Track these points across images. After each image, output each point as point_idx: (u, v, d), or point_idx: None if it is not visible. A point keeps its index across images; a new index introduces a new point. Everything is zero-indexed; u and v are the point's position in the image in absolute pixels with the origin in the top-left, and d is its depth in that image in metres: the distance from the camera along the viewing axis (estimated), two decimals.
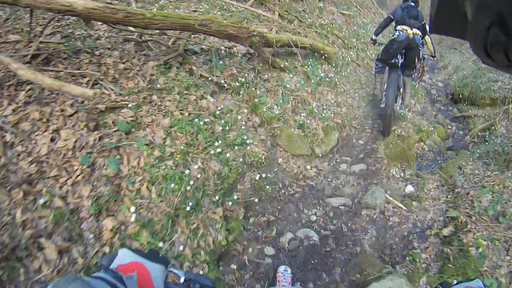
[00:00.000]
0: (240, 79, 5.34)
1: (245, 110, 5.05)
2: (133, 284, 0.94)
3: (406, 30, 5.98)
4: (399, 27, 6.10)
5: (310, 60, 7.04)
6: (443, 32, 0.70)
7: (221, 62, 5.27)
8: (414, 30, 6.00)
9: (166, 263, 1.21)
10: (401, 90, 6.72)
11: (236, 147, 4.45)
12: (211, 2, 7.19)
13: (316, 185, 5.26)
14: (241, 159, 4.39)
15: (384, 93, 6.48)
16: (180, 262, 3.22)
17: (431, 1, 0.68)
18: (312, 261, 4.10)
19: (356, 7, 13.23)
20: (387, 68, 6.76)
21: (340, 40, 9.31)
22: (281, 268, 3.30)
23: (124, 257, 1.12)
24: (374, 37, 7.07)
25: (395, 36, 6.09)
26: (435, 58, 8.38)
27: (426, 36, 6.61)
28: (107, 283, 0.89)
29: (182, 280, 1.29)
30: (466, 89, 9.52)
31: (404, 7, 6.26)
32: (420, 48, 6.40)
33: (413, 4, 6.26)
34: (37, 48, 3.95)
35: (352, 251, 4.30)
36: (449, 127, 8.74)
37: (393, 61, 6.47)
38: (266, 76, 5.85)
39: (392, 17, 6.49)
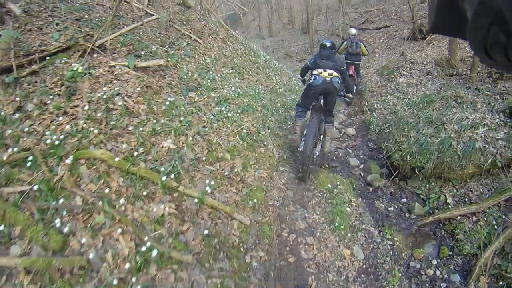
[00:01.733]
0: None
1: None
2: None
3: (321, 73, 5.87)
4: (315, 71, 5.98)
5: None
6: (443, 32, 0.70)
7: None
8: (329, 71, 5.85)
9: None
10: (321, 136, 6.78)
11: None
12: None
13: None
14: None
15: (303, 137, 6.31)
16: None
17: (430, 1, 0.69)
18: None
19: (188, 43, 7.83)
20: (308, 112, 6.66)
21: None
22: None
23: None
24: (301, 78, 7.21)
25: (311, 80, 5.98)
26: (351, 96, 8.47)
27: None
28: None
29: None
30: (424, 153, 6.84)
31: (317, 52, 6.24)
32: (337, 92, 6.21)
33: (327, 45, 6.20)
34: None
35: None
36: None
37: (316, 102, 6.45)
38: None
39: (308, 64, 6.35)
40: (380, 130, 9.23)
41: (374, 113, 10.24)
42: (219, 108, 6.13)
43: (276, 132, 7.51)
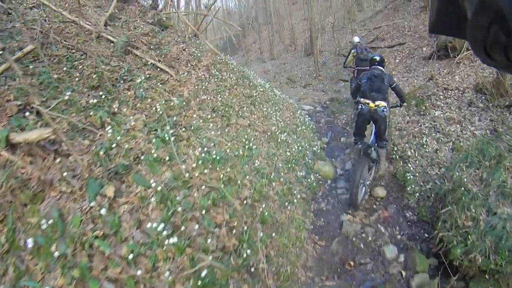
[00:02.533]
0: None
1: None
2: None
3: (368, 104, 6.04)
4: (362, 100, 6.16)
5: None
6: (443, 32, 0.69)
7: None
8: (377, 102, 6.02)
9: None
10: (375, 163, 6.84)
11: None
12: None
13: None
14: None
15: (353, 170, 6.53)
16: None
17: (431, 1, 0.66)
18: None
19: (148, 76, 5.95)
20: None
21: None
22: None
23: None
24: (354, 100, 7.07)
25: (359, 109, 6.21)
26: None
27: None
28: None
29: None
30: (503, 251, 4.37)
31: (368, 77, 6.23)
32: (386, 119, 6.40)
33: (377, 71, 6.28)
34: None
35: None
36: None
37: (368, 151, 6.16)
38: None
39: (360, 82, 6.39)
40: (421, 193, 6.77)
41: (408, 163, 7.53)
42: (162, 216, 3.40)
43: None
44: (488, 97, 7.99)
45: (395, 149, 8.11)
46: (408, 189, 6.89)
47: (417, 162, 7.41)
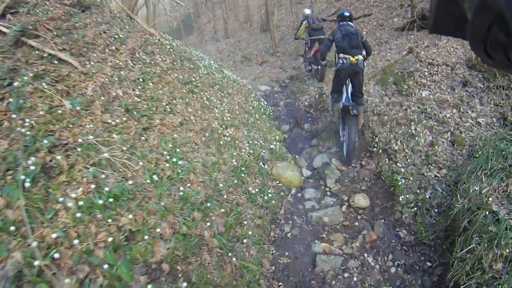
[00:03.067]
0: None
1: None
2: None
3: (349, 58, 5.91)
4: (341, 55, 6.02)
5: None
6: (443, 32, 0.69)
7: None
8: (356, 57, 5.94)
9: None
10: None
11: None
12: None
13: None
14: None
15: (345, 133, 6.14)
16: None
17: (431, 1, 0.67)
18: None
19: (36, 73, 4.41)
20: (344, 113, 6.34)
21: None
22: None
23: None
24: (323, 62, 7.47)
25: (339, 65, 6.06)
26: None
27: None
28: None
29: None
30: None
31: (345, 34, 6.09)
32: (363, 72, 6.25)
33: (353, 29, 6.24)
34: None
35: None
36: None
37: (350, 108, 5.97)
38: None
39: (332, 39, 6.24)
40: (417, 204, 4.98)
41: (395, 161, 5.68)
42: None
43: None
44: (485, 76, 6.38)
45: (376, 139, 6.19)
46: (400, 198, 4.98)
47: (407, 159, 5.53)
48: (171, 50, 7.36)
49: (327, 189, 5.71)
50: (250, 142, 5.94)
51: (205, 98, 6.38)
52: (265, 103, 9.14)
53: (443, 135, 5.67)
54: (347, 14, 6.48)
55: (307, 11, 10.49)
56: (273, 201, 5.02)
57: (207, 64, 8.95)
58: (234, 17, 30.01)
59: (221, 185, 4.50)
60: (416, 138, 5.77)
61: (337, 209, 5.11)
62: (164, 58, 6.64)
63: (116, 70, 5.29)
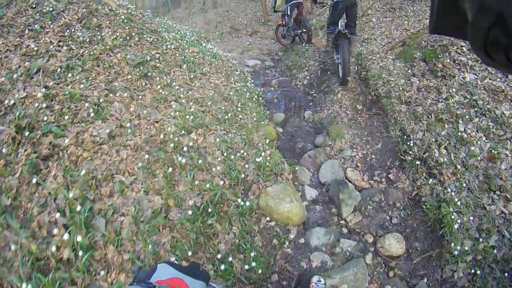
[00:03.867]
0: None
1: None
2: None
3: None
4: None
5: None
6: (443, 32, 0.63)
7: None
8: None
9: (207, 278, 1.12)
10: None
11: None
12: None
13: None
14: None
15: (338, 51, 6.32)
16: None
17: (431, 1, 0.62)
18: None
19: None
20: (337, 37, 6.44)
21: None
22: (315, 279, 2.57)
23: (164, 272, 1.03)
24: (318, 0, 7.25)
25: None
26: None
27: None
28: None
29: None
30: None
31: None
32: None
33: None
34: None
35: None
36: None
37: (342, 31, 6.21)
38: None
39: None
40: (476, 259, 3.24)
41: (441, 181, 3.82)
42: None
43: None
44: None
45: (409, 142, 4.27)
46: (452, 246, 3.15)
47: (458, 178, 3.65)
48: (128, 21, 5.34)
49: (342, 222, 3.80)
50: (226, 154, 3.88)
51: (161, 86, 4.42)
52: (253, 83, 7.12)
53: (506, 143, 3.79)
54: None
55: None
56: (260, 270, 3.00)
57: (179, 36, 6.89)
58: None
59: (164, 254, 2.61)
60: (469, 145, 3.88)
61: (360, 267, 3.19)
62: (112, 34, 4.81)
63: (26, 58, 3.73)
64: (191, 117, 4.15)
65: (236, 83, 6.22)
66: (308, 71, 7.58)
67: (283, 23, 9.85)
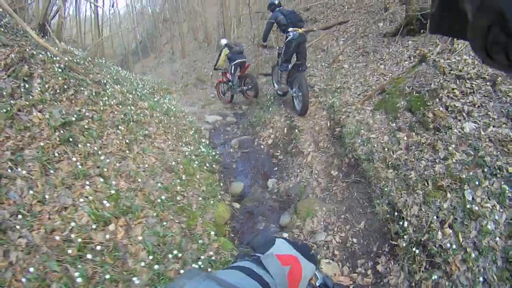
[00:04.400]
0: None
1: None
2: (282, 276, 0.82)
3: (298, 30, 6.40)
4: (291, 29, 6.45)
5: None
6: (443, 32, 0.60)
7: None
8: (302, 29, 6.48)
9: (316, 263, 1.01)
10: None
11: None
12: None
13: None
14: None
15: (293, 86, 6.71)
16: None
17: (431, 1, 0.60)
18: None
19: None
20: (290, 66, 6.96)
21: None
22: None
23: (282, 246, 0.95)
24: (264, 43, 7.62)
25: (290, 36, 6.44)
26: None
27: None
28: (247, 274, 0.75)
29: (318, 283, 1.10)
30: None
31: (286, 13, 6.65)
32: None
33: (290, 9, 7.48)
34: None
35: None
36: None
37: (298, 62, 6.76)
38: None
39: (274, 21, 6.82)
40: None
41: (450, 276, 2.72)
42: None
43: None
44: None
45: (402, 221, 3.24)
46: None
47: (472, 267, 2.70)
48: (67, 71, 4.50)
49: None
50: (155, 255, 2.78)
51: (85, 154, 3.44)
52: (210, 143, 6.26)
53: None
54: (276, 1, 6.99)
55: (224, 41, 10.09)
56: None
57: (127, 89, 5.94)
58: (193, 36, 27.23)
59: None
60: (480, 219, 2.87)
61: None
62: (45, 84, 4.03)
63: None
64: (112, 202, 3.04)
65: (188, 146, 5.23)
66: (273, 128, 6.67)
67: (224, 80, 10.01)
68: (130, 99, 5.50)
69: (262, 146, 6.27)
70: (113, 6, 35.26)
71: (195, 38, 26.60)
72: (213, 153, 5.55)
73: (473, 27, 0.45)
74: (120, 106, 4.86)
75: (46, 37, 6.47)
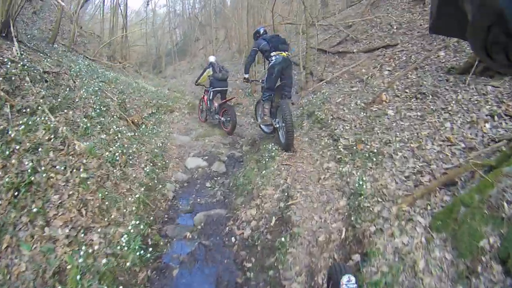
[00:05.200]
0: None
1: None
2: None
3: (281, 53, 5.90)
4: (273, 53, 5.94)
5: None
6: (443, 32, 0.66)
7: None
8: (286, 52, 5.96)
9: None
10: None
11: None
12: None
13: None
14: None
15: (277, 115, 6.20)
16: None
17: (431, 1, 0.64)
18: None
19: None
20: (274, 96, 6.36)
21: None
22: (344, 279, 2.28)
23: None
24: (246, 75, 6.84)
25: (273, 61, 5.90)
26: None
27: None
28: None
29: None
30: None
31: (269, 38, 6.16)
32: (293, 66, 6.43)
33: (274, 34, 6.66)
34: None
35: None
36: None
37: (281, 88, 6.16)
38: None
39: (257, 49, 6.30)
40: None
41: None
42: None
43: None
44: None
45: None
46: None
47: None
48: None
49: None
50: None
51: None
52: (153, 219, 4.07)
53: None
54: (262, 30, 6.64)
55: (212, 58, 9.47)
56: None
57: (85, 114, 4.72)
58: (228, 45, 25.21)
59: None
60: None
61: None
62: None
63: None
64: None
65: (110, 227, 3.15)
66: (259, 208, 4.19)
67: (205, 98, 9.41)
68: (61, 135, 3.54)
69: (233, 240, 3.78)
70: (148, 5, 34.11)
71: (230, 48, 24.65)
72: (141, 252, 3.21)
73: (473, 27, 0.47)
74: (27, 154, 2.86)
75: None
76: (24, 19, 11.04)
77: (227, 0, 30.03)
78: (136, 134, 5.96)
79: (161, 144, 6.29)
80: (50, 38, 9.40)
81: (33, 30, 10.31)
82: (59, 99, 4.69)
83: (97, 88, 6.33)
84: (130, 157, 4.85)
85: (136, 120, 6.62)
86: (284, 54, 5.88)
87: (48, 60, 5.94)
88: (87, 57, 12.46)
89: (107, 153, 4.32)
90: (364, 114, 5.26)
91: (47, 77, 5.12)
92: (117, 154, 4.51)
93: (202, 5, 33.11)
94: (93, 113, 5.28)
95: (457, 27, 0.57)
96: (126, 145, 5.04)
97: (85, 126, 4.61)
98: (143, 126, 6.68)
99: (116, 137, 5.15)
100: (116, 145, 4.77)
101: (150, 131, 6.61)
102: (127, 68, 17.30)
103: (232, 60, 20.88)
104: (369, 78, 6.81)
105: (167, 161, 5.87)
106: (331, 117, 5.77)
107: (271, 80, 6.06)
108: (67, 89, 5.33)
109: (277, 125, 6.05)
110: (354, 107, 5.76)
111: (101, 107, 5.59)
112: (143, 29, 32.91)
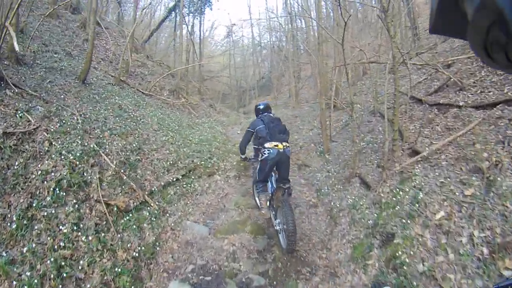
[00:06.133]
0: None
1: None
2: None
3: (277, 146, 5.43)
4: (267, 145, 5.44)
5: None
6: (443, 32, 0.65)
7: None
8: (284, 143, 5.50)
9: None
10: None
11: None
12: None
13: None
14: None
15: (277, 215, 5.60)
16: None
17: (431, 1, 0.62)
18: None
19: None
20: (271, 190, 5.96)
21: None
22: None
23: None
24: (243, 156, 6.34)
25: (266, 155, 5.42)
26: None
27: None
28: None
29: None
30: None
31: (267, 122, 5.69)
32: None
33: (274, 117, 6.00)
34: None
35: None
36: None
37: (284, 193, 5.47)
38: None
39: (253, 131, 5.82)
40: None
41: None
42: None
43: None
44: None
45: None
46: None
47: None
48: None
49: None
50: None
51: None
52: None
53: None
54: (262, 106, 6.18)
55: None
56: None
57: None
58: (314, 85, 23.19)
59: None
60: None
61: None
62: None
63: None
64: None
65: None
66: None
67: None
68: None
69: None
70: (228, 37, 33.44)
71: (315, 88, 22.65)
72: None
73: (473, 27, 0.47)
74: None
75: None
76: (71, 47, 9.96)
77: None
78: (111, 230, 4.39)
79: (144, 248, 4.63)
80: (81, 73, 8.03)
81: (71, 61, 9.00)
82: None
83: (80, 152, 4.87)
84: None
85: (121, 205, 4.94)
86: (280, 146, 5.43)
87: (39, 108, 5.10)
88: (140, 91, 11.16)
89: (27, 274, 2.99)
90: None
91: (4, 143, 3.99)
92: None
93: (287, 38, 31.69)
94: (47, 198, 3.90)
95: (457, 27, 0.56)
96: (73, 257, 3.57)
97: (15, 225, 3.38)
98: (148, 207, 5.40)
99: (62, 243, 3.71)
100: (50, 259, 3.35)
101: (143, 220, 5.11)
102: (198, 103, 15.92)
103: (315, 101, 18.69)
104: (493, 168, 4.08)
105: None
106: (421, 263, 3.44)
107: (263, 174, 5.73)
108: (30, 158, 4.11)
109: (278, 227, 5.56)
110: (467, 251, 3.29)
111: (70, 185, 4.22)
112: (220, 62, 32.15)
